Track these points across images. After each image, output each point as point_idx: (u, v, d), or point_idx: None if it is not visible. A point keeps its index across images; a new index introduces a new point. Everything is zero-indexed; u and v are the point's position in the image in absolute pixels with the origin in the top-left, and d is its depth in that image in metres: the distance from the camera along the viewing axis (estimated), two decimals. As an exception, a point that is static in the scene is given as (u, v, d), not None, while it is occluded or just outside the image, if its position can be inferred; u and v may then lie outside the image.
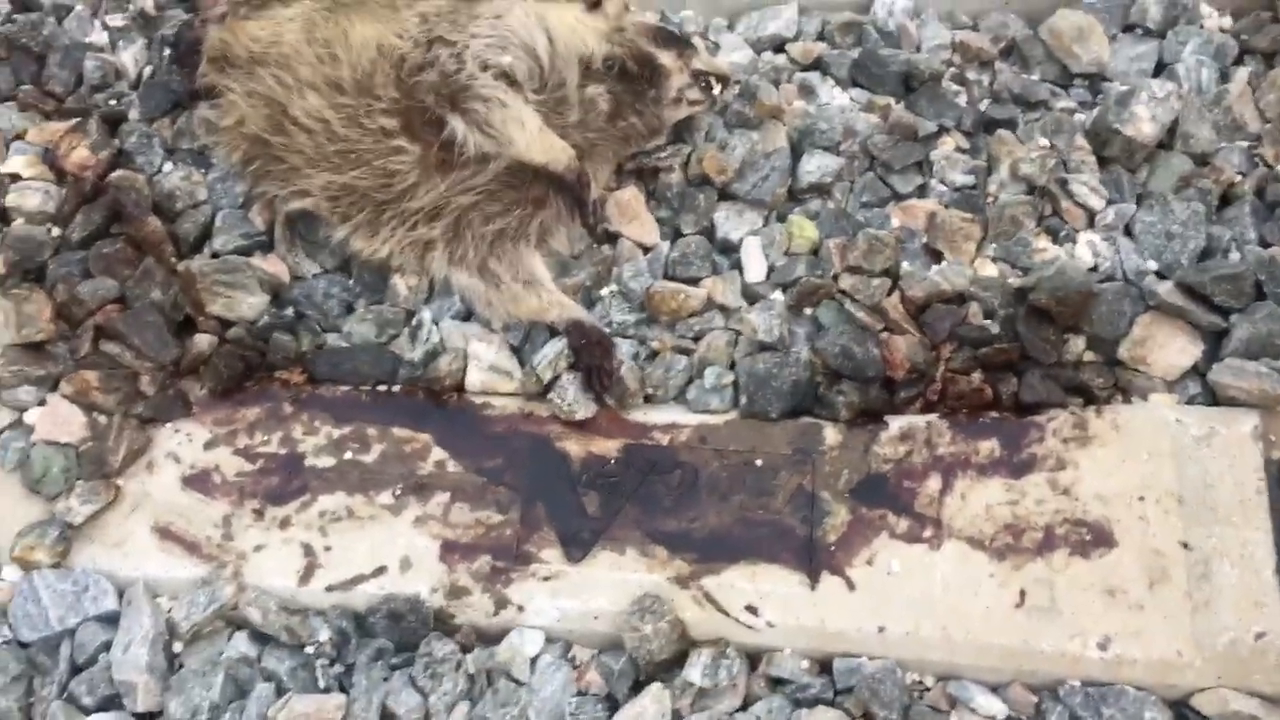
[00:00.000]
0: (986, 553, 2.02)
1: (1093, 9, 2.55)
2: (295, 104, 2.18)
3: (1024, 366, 2.14)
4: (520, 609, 2.04)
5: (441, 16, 2.19)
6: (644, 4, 2.65)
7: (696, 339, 2.24)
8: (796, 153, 2.40)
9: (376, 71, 2.16)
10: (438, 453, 2.17)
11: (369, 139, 2.16)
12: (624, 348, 2.23)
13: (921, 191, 2.37)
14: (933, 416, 2.14)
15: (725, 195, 2.37)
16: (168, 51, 2.51)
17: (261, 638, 2.03)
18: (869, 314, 2.20)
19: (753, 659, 2.01)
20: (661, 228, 2.35)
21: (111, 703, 1.97)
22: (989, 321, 2.18)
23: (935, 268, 2.27)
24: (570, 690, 1.99)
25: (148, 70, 2.53)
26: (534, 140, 2.14)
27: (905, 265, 2.27)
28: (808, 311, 2.26)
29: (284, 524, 2.12)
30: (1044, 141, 2.38)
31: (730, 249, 2.33)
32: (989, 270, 2.25)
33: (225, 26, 2.28)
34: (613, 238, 2.34)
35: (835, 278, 2.26)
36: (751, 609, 2.01)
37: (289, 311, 2.29)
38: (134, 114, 2.45)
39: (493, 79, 2.12)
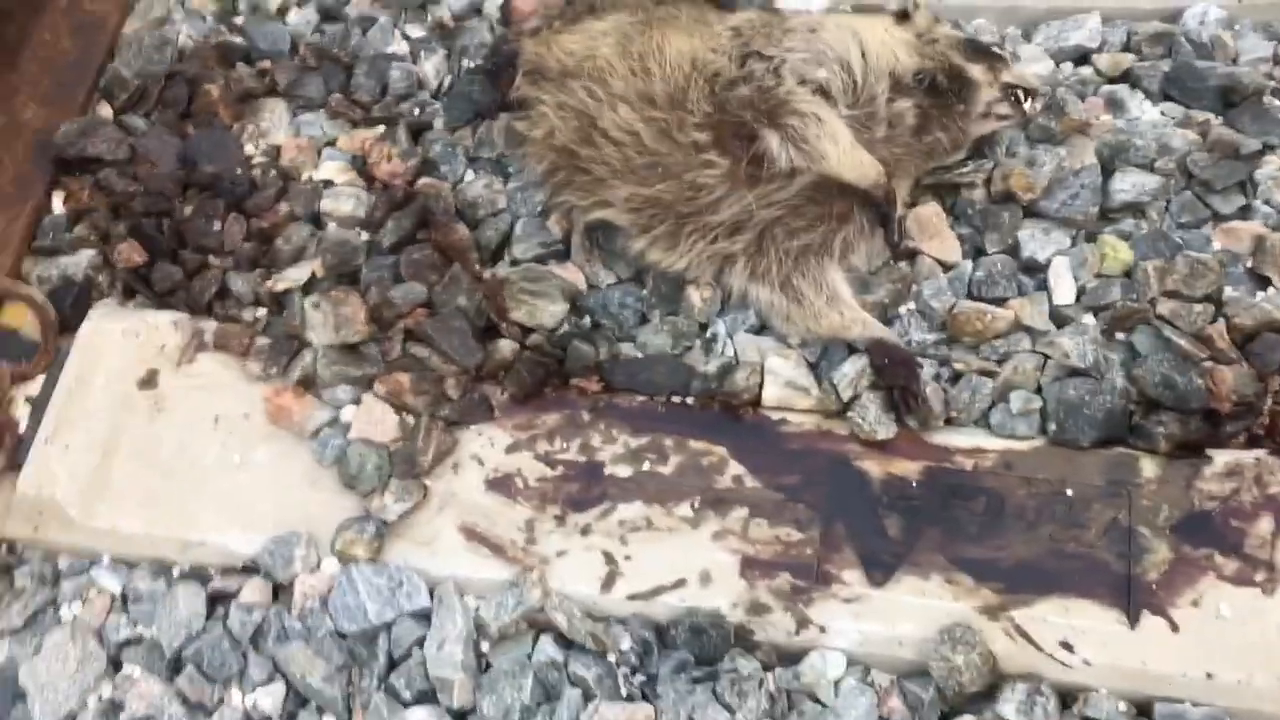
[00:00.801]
0: (1327, 601, 1.91)
1: None
2: (606, 116, 2.21)
3: (1364, 404, 2.01)
4: (822, 630, 2.01)
5: (755, 30, 2.18)
6: (936, 10, 2.58)
7: (1001, 361, 2.17)
8: (1107, 170, 2.30)
9: (690, 85, 2.16)
10: (735, 467, 2.17)
11: (679, 152, 2.17)
12: (925, 368, 2.18)
13: (1245, 213, 2.25)
14: (1261, 452, 2.03)
15: (1031, 213, 2.29)
16: (467, 63, 2.58)
17: (566, 643, 2.07)
18: (1191, 342, 2.09)
19: (1064, 697, 1.94)
20: (962, 246, 2.29)
21: (427, 697, 2.03)
22: (1325, 354, 2.05)
23: (1262, 294, 2.15)
24: (874, 716, 1.95)
25: (448, 80, 2.61)
26: (845, 156, 2.12)
27: (1229, 290, 2.16)
28: (1121, 337, 2.17)
29: (585, 531, 2.15)
30: (1380, 161, 2.23)
31: (1036, 269, 2.25)
32: (1323, 299, 2.12)
33: (540, 39, 2.33)
34: (912, 255, 2.30)
35: (1152, 302, 2.16)
36: (1066, 645, 1.94)
37: (586, 320, 2.32)
38: (438, 123, 2.53)
39: (810, 94, 2.11)
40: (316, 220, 2.46)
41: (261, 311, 2.39)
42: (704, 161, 2.16)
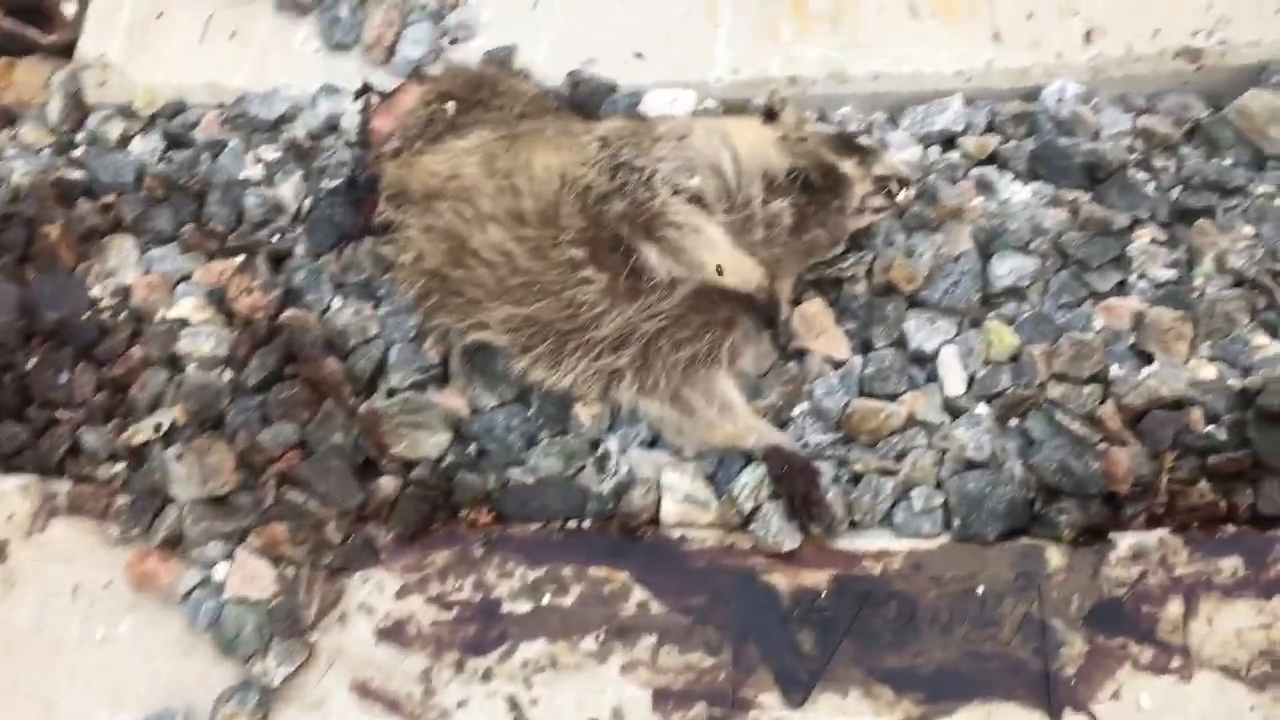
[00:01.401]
0: (1244, 684, 1.89)
1: (1282, 87, 2.44)
2: (476, 237, 2.12)
3: (1258, 475, 2.02)
4: (744, 760, 1.93)
5: (623, 140, 2.12)
6: (802, 103, 2.58)
7: (899, 458, 2.13)
8: (985, 254, 2.30)
9: (561, 201, 2.09)
10: (639, 592, 2.08)
11: (555, 270, 2.09)
12: (824, 471, 2.13)
13: (1122, 288, 2.26)
14: (1163, 532, 2.01)
15: (915, 303, 2.27)
16: (327, 183, 2.46)
17: (475, 800, 1.94)
18: (1083, 424, 2.08)
19: (995, 805, 1.88)
20: (850, 340, 2.26)
21: None
22: (1214, 427, 2.06)
23: (1148, 370, 2.15)
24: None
25: (307, 203, 2.49)
26: (726, 262, 2.06)
27: (1115, 369, 2.16)
28: (1015, 423, 2.15)
29: (486, 676, 2.03)
30: (1248, 230, 2.26)
31: (925, 360, 2.22)
32: (1207, 371, 2.13)
33: (401, 161, 2.24)
34: (801, 354, 2.25)
35: (1042, 386, 2.15)
36: (993, 753, 1.89)
37: (471, 448, 2.21)
38: (300, 249, 2.41)
39: (684, 203, 2.05)
40: (174, 363, 2.31)
41: (119, 467, 2.22)
42: (581, 278, 2.08)
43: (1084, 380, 2.14)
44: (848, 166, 2.22)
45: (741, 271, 2.08)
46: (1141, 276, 2.26)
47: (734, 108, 2.56)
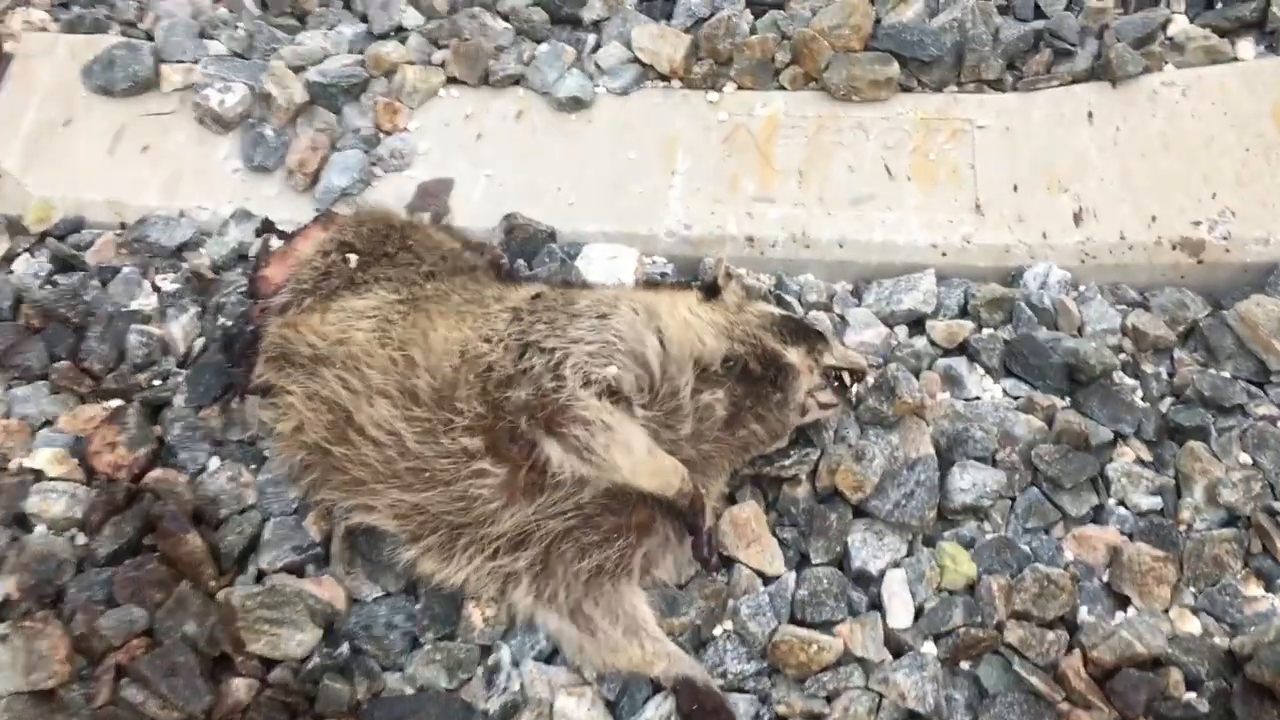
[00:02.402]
0: None
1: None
2: (363, 411, 1.86)
3: (1244, 757, 1.73)
4: None
5: (537, 315, 1.87)
6: (759, 266, 2.34)
7: (830, 699, 1.85)
8: (945, 461, 2.03)
9: (459, 381, 1.83)
10: (517, 843, 1.79)
11: (446, 459, 1.82)
12: (741, 706, 1.84)
13: (1098, 514, 1.99)
14: (1130, 819, 1.72)
15: (861, 513, 2.00)
16: (222, 323, 2.22)
17: None
18: (1044, 679, 1.80)
19: None
20: (786, 552, 1.98)
21: None
22: (1194, 696, 1.78)
23: (1122, 616, 1.88)
24: None
25: (198, 344, 2.24)
26: (641, 464, 1.79)
27: (1084, 612, 1.89)
28: (966, 667, 1.87)
29: None
30: (1245, 458, 1.99)
31: (868, 582, 1.95)
32: (1189, 624, 1.85)
33: (286, 320, 1.98)
34: (728, 562, 1.98)
35: (999, 626, 1.87)
36: None
37: (343, 648, 1.92)
38: (179, 399, 2.14)
39: (595, 397, 1.78)
40: (21, 521, 2.04)
41: (-62, 645, 1.95)
42: (476, 471, 1.82)
43: (1048, 623, 1.87)
44: (794, 355, 1.96)
45: (660, 474, 1.81)
46: (1121, 502, 1.99)
47: (684, 265, 2.33)
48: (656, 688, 1.88)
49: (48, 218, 2.41)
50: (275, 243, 2.18)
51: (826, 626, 1.90)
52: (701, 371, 1.92)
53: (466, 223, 2.40)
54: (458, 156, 2.49)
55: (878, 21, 2.54)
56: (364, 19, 2.74)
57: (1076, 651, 1.84)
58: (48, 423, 2.16)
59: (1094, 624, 1.86)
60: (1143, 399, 2.10)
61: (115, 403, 2.15)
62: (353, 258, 2.06)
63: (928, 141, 2.41)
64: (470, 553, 1.88)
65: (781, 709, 1.85)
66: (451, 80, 2.60)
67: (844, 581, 1.94)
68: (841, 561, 1.98)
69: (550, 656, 1.94)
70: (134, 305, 2.29)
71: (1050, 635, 1.85)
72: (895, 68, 2.46)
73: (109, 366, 2.21)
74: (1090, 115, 2.40)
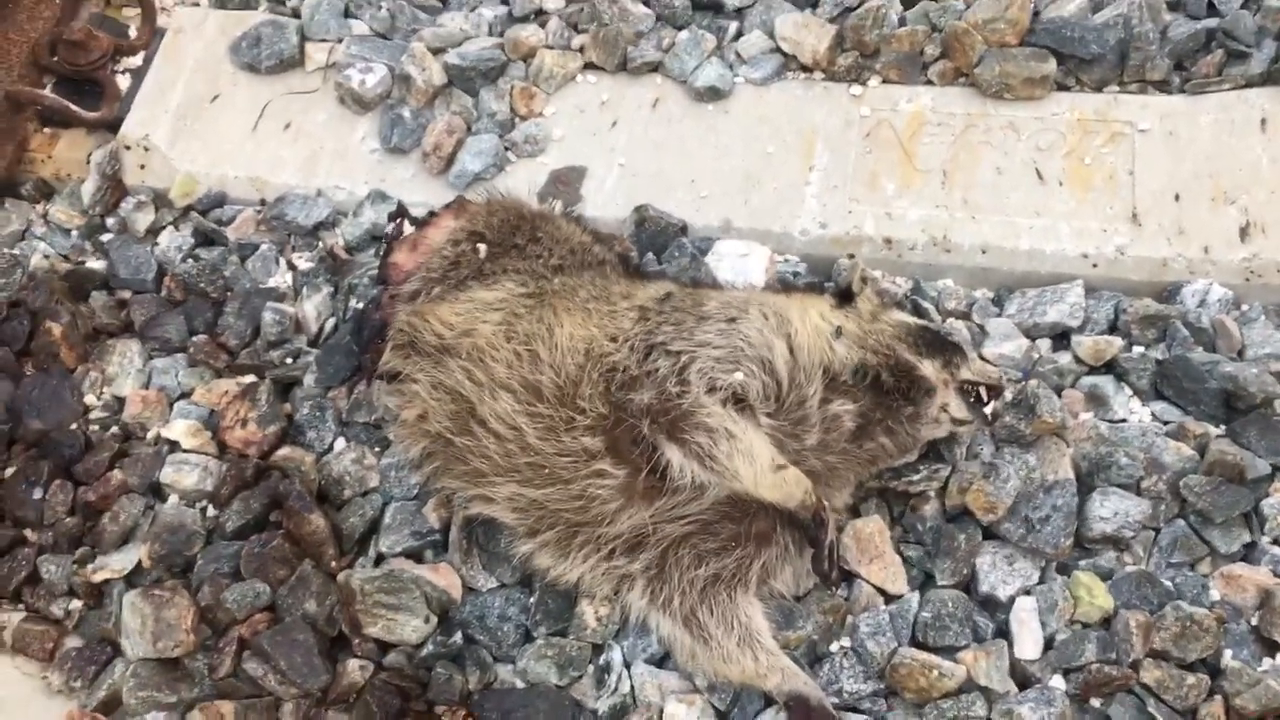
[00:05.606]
0: None
1: None
2: (486, 404, 1.86)
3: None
4: None
5: (664, 315, 1.84)
6: (896, 269, 2.26)
7: (949, 727, 1.79)
8: (1085, 486, 1.93)
9: (583, 379, 1.82)
10: (620, 847, 1.77)
11: (566, 457, 1.81)
12: (856, 729, 1.80)
13: (1249, 553, 1.88)
14: None
15: (992, 535, 1.92)
16: (355, 304, 2.24)
17: None
18: (1181, 724, 1.71)
19: None
20: (909, 570, 1.92)
21: None
22: (1347, 756, 1.66)
23: (1270, 663, 1.77)
24: None
25: (330, 324, 2.27)
26: (764, 475, 1.75)
27: (1228, 655, 1.78)
28: (1097, 704, 1.78)
29: None
30: None
31: (996, 608, 1.87)
32: (1345, 678, 1.73)
33: (414, 309, 1.99)
34: (848, 577, 1.92)
35: (1135, 665, 1.78)
36: None
37: (457, 637, 1.93)
38: (309, 379, 2.18)
39: (719, 404, 1.75)
40: (156, 491, 2.10)
41: (75, 604, 2.03)
42: (595, 471, 1.80)
43: (1189, 665, 1.77)
44: (928, 369, 1.89)
45: (783, 486, 1.77)
46: (1276, 541, 1.87)
47: (818, 265, 2.26)
48: (769, 701, 1.84)
49: (192, 192, 2.46)
50: (407, 228, 2.18)
51: (949, 651, 1.83)
52: (830, 381, 1.86)
53: (597, 212, 2.38)
54: (591, 144, 2.45)
55: (1036, 15, 2.41)
56: (505, 1, 2.72)
57: (1218, 698, 1.74)
58: (184, 395, 2.22)
59: (1239, 670, 1.75)
60: (1306, 431, 1.96)
61: (249, 378, 2.20)
62: (482, 248, 2.06)
63: (1083, 144, 2.28)
64: (586, 551, 1.87)
65: (896, 733, 1.80)
66: (589, 66, 2.57)
67: (970, 606, 1.87)
68: (968, 585, 1.91)
69: (662, 660, 1.92)
70: (270, 282, 2.34)
71: (1190, 678, 1.75)
72: (1052, 65, 2.34)
73: (244, 342, 2.26)
74: (1264, 123, 2.24)
